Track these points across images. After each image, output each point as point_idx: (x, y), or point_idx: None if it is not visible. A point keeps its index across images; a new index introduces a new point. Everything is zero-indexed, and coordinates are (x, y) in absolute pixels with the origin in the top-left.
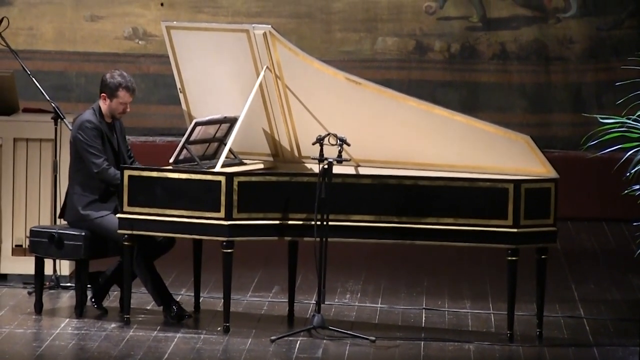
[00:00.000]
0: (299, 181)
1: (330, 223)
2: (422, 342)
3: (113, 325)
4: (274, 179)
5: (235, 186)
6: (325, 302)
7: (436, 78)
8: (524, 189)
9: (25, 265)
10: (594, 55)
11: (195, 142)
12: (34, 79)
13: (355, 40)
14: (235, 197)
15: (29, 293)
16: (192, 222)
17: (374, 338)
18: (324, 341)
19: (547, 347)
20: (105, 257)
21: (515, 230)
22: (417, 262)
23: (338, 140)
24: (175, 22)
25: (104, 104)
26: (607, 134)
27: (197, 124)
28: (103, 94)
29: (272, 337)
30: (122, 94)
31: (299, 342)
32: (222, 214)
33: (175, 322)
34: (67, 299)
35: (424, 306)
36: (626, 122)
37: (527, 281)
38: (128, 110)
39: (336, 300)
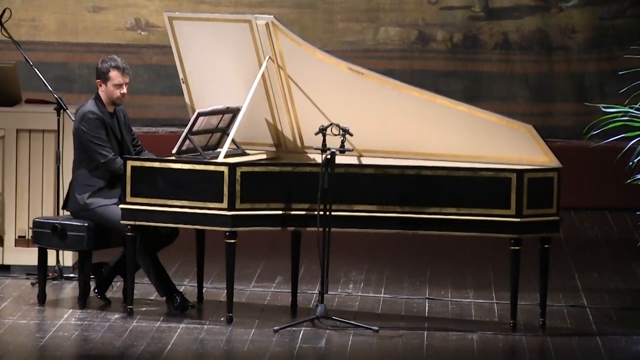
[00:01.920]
0: (301, 171)
1: (333, 213)
2: (426, 332)
3: (116, 315)
4: (276, 169)
5: (237, 176)
6: (328, 292)
7: (439, 68)
8: (526, 179)
9: (29, 256)
10: (596, 45)
11: (198, 132)
12: (36, 70)
13: (357, 31)
14: (237, 187)
15: (32, 284)
16: (194, 213)
17: (377, 328)
18: (327, 331)
19: (550, 336)
20: (109, 248)
21: (518, 219)
22: (420, 251)
23: (341, 131)
24: (177, 13)
25: (101, 92)
26: (610, 123)
27: (199, 115)
28: (98, 81)
29: (275, 328)
30: (114, 74)
31: (302, 332)
32: (224, 204)
33: (179, 312)
34: (70, 289)
35: (427, 296)
36: (629, 111)
37: (530, 271)
38: (125, 92)
39: (339, 290)
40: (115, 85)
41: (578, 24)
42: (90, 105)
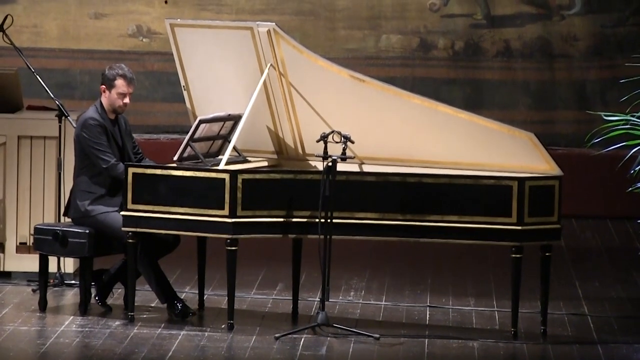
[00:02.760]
0: (303, 179)
1: (334, 221)
2: (426, 340)
3: (117, 322)
4: (278, 176)
5: (239, 184)
6: (330, 300)
7: (440, 75)
8: (528, 187)
9: (30, 263)
10: (598, 53)
11: (200, 139)
12: (38, 76)
13: (359, 38)
14: (239, 194)
15: (33, 290)
16: (196, 220)
17: (378, 335)
18: (328, 339)
19: (551, 344)
20: (110, 255)
21: (519, 227)
22: (421, 259)
23: (342, 138)
24: (179, 20)
25: (104, 98)
26: (611, 131)
27: (201, 122)
28: (103, 86)
29: (277, 335)
30: (120, 83)
31: (303, 339)
32: (226, 212)
33: (180, 319)
34: (71, 296)
35: (428, 304)
36: (630, 120)
37: (531, 279)
38: (127, 102)
39: (340, 297)
40: (120, 94)
41: (580, 31)
42: (91, 112)
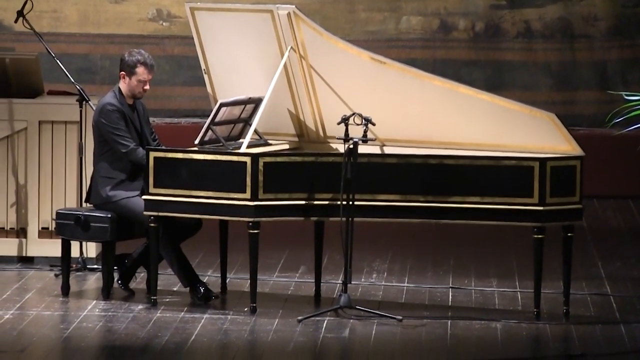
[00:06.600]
0: (324, 161)
1: (356, 203)
2: (449, 321)
3: (140, 307)
4: (299, 159)
5: (260, 167)
6: (352, 282)
7: (461, 57)
8: (549, 167)
9: (52, 248)
10: (619, 33)
11: (221, 123)
12: (58, 61)
13: (379, 20)
14: (260, 177)
15: (56, 275)
16: (217, 203)
17: (400, 317)
18: (351, 321)
19: (573, 324)
20: (132, 239)
21: (541, 208)
22: (443, 241)
23: (363, 120)
24: (199, 3)
25: (123, 84)
26: (633, 111)
27: (222, 105)
28: (122, 72)
29: (299, 317)
30: (141, 70)
31: (325, 322)
32: (247, 195)
33: (202, 303)
34: (93, 281)
35: (450, 285)
36: None
37: (553, 259)
38: (147, 88)
39: (362, 279)
40: (140, 81)
41: (600, 12)
42: (109, 97)
